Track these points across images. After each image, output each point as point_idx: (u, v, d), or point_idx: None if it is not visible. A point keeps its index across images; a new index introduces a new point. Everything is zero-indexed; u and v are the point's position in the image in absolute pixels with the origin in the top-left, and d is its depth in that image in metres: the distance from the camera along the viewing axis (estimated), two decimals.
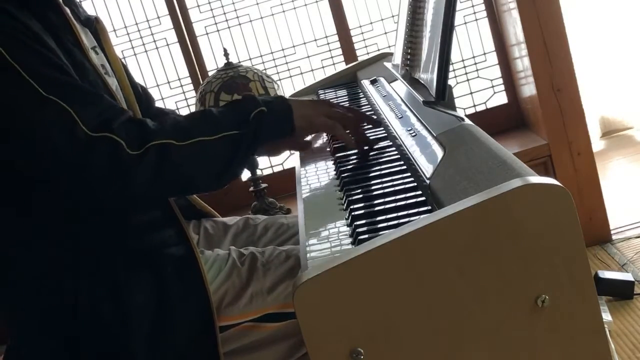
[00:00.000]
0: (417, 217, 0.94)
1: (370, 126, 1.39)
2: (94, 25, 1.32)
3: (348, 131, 1.30)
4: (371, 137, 1.35)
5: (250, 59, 2.57)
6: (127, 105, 1.32)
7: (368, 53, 2.56)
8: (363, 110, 1.61)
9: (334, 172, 1.25)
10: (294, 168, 1.37)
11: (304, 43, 2.58)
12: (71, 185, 1.08)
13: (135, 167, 1.07)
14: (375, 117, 1.42)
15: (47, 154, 1.06)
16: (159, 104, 1.62)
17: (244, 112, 1.18)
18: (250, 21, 2.56)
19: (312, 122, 1.26)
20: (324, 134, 1.50)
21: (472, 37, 2.57)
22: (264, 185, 2.29)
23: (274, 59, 2.59)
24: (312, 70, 2.60)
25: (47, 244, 1.14)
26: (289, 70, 2.59)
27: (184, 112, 2.59)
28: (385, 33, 2.57)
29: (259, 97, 1.22)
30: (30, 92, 1.05)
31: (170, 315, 1.15)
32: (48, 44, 1.10)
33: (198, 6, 2.54)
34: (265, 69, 2.53)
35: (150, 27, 2.55)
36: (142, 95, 1.46)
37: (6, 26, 1.06)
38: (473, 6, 2.54)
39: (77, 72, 1.14)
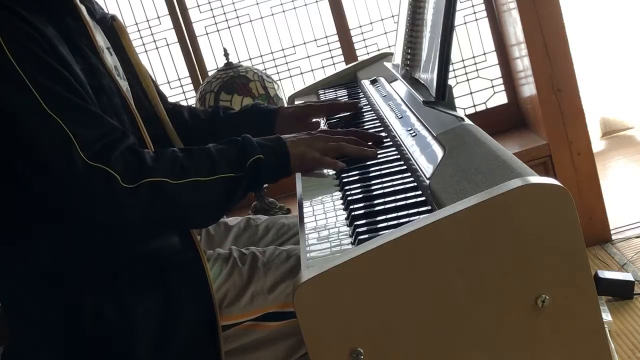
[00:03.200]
0: (417, 217, 0.94)
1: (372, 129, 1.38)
2: (108, 23, 1.31)
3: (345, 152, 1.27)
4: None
5: (250, 59, 2.58)
6: (149, 105, 1.32)
7: (368, 53, 2.56)
8: (364, 114, 1.62)
9: (334, 172, 1.25)
10: None
11: (304, 43, 2.58)
12: (64, 204, 1.08)
13: (127, 201, 1.06)
14: (382, 131, 1.39)
15: (41, 172, 1.05)
16: None
17: (241, 156, 1.16)
18: (250, 21, 2.56)
19: (304, 161, 1.24)
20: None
21: (472, 37, 2.57)
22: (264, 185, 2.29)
23: (274, 59, 2.59)
24: (312, 70, 2.60)
25: (51, 246, 1.13)
26: (289, 70, 2.59)
27: None
28: (385, 33, 2.57)
29: (257, 140, 1.20)
30: (33, 105, 1.04)
31: (174, 318, 1.15)
32: (62, 54, 1.09)
33: (198, 6, 2.54)
34: (265, 69, 2.53)
35: (150, 27, 2.55)
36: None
37: (19, 32, 1.05)
38: (473, 6, 2.54)
39: (91, 76, 1.14)
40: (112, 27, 1.32)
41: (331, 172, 1.25)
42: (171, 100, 2.58)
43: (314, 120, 1.56)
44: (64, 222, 1.12)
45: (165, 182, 1.09)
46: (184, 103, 2.59)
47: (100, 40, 1.25)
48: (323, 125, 1.58)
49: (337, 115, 1.61)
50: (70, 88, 1.08)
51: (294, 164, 1.22)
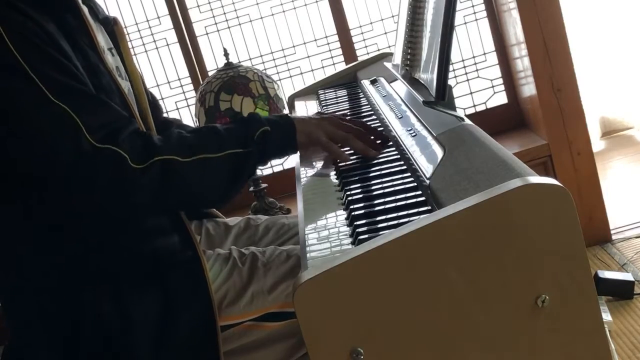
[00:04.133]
0: (417, 217, 0.94)
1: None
2: (111, 25, 1.32)
3: (348, 148, 1.28)
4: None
5: (250, 59, 2.58)
6: (140, 110, 1.32)
7: (368, 53, 2.56)
8: (364, 115, 1.62)
9: (334, 172, 1.25)
10: (294, 168, 1.37)
11: (304, 43, 2.58)
12: (71, 193, 1.08)
13: (138, 181, 1.07)
14: (383, 131, 1.37)
15: (49, 160, 1.06)
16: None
17: (248, 130, 1.18)
18: (250, 21, 2.56)
19: (311, 139, 1.25)
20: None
21: (472, 37, 2.57)
22: (264, 185, 2.29)
23: (274, 59, 2.59)
24: (312, 70, 2.59)
25: (51, 244, 1.14)
26: (289, 70, 2.59)
27: (184, 112, 2.59)
28: (385, 33, 2.57)
29: (264, 116, 1.22)
30: (37, 95, 1.04)
31: (173, 318, 1.15)
32: (62, 47, 1.10)
33: (198, 6, 2.54)
34: (265, 69, 2.53)
35: (150, 27, 2.55)
36: (151, 103, 1.45)
37: (19, 26, 1.06)
38: (473, 6, 2.54)
39: (91, 75, 1.14)
40: (113, 30, 1.32)
41: (332, 172, 1.25)
42: (171, 100, 2.60)
43: None
44: (67, 216, 1.12)
45: (175, 160, 1.10)
46: (183, 103, 2.60)
47: (102, 40, 1.25)
48: (317, 108, 1.58)
49: (333, 110, 1.62)
50: (74, 76, 1.08)
51: (300, 139, 1.23)
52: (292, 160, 1.38)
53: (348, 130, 1.28)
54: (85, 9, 1.22)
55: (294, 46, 2.58)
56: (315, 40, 2.58)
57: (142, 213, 1.14)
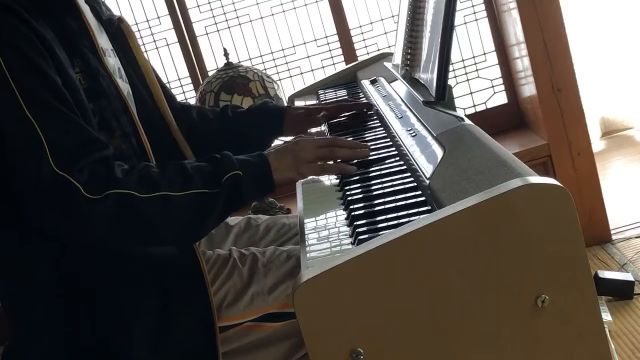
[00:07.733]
0: (417, 217, 0.94)
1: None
2: (114, 26, 1.31)
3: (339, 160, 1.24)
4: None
5: (250, 59, 2.58)
6: (154, 105, 1.31)
7: (368, 53, 2.56)
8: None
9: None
10: None
11: (304, 43, 2.58)
12: (30, 211, 1.07)
13: (92, 212, 1.04)
14: (378, 132, 1.37)
15: (14, 176, 1.05)
16: None
17: (217, 172, 1.12)
18: (250, 21, 2.56)
19: (299, 173, 1.20)
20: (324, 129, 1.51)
21: (472, 37, 2.57)
22: None
23: (274, 59, 2.59)
24: (312, 70, 2.59)
25: (48, 247, 1.13)
26: (289, 70, 2.59)
27: None
28: (385, 33, 2.57)
29: (238, 157, 1.16)
30: (13, 106, 1.03)
31: (171, 319, 1.15)
32: (57, 57, 1.08)
33: (198, 6, 2.54)
34: (265, 69, 2.53)
35: (150, 27, 2.55)
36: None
37: (13, 32, 1.05)
38: (473, 6, 2.54)
39: (91, 78, 1.14)
40: (119, 29, 1.31)
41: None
42: None
43: (322, 115, 1.54)
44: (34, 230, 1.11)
45: (132, 195, 1.06)
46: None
47: (103, 42, 1.24)
48: (324, 127, 1.58)
49: (341, 117, 1.61)
50: (56, 94, 1.06)
51: (278, 177, 1.17)
52: None
53: (327, 144, 1.23)
54: (87, 10, 1.21)
55: (294, 46, 2.58)
56: (315, 40, 2.58)
57: (101, 244, 1.10)
